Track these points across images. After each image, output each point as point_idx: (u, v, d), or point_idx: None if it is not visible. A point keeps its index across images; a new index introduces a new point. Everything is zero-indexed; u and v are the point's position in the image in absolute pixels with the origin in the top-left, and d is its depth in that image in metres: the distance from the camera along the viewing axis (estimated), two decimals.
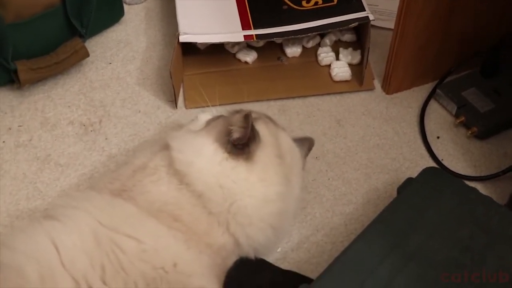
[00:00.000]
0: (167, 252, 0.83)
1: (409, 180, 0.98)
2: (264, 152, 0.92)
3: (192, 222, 0.87)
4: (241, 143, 0.90)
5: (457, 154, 1.14)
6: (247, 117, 0.89)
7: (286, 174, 0.93)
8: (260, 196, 0.90)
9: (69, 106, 1.19)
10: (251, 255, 0.92)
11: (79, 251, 0.79)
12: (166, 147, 0.93)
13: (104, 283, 0.77)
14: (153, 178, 0.90)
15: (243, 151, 0.90)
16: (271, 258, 0.97)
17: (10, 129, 1.14)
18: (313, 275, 0.94)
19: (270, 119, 1.00)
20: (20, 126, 1.15)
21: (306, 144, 1.04)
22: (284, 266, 0.97)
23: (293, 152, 0.98)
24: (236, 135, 0.90)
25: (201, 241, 0.87)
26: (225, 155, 0.89)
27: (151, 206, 0.87)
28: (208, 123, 0.95)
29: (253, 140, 0.91)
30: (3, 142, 1.12)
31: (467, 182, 1.00)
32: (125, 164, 0.97)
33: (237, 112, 0.96)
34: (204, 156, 0.90)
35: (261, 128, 0.94)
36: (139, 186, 0.89)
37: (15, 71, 1.15)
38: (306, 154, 1.05)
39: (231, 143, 0.90)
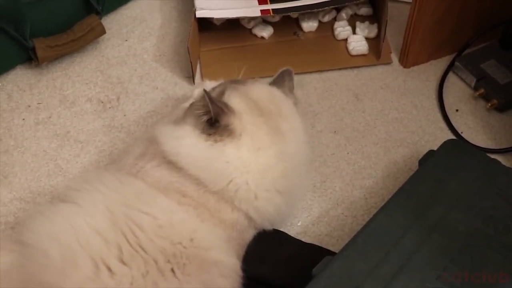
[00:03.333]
0: (182, 227, 0.83)
1: (431, 152, 0.98)
2: (244, 120, 0.88)
3: (200, 198, 0.87)
4: (214, 121, 0.86)
5: (477, 127, 1.14)
6: (203, 96, 0.85)
7: (276, 127, 0.89)
8: (257, 167, 0.87)
9: (86, 84, 1.19)
10: (268, 227, 0.92)
11: (94, 233, 0.80)
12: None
13: (123, 262, 0.78)
14: (154, 163, 0.89)
15: (221, 128, 0.87)
16: (292, 232, 0.98)
17: (29, 106, 1.14)
18: (334, 248, 0.94)
19: (236, 82, 0.95)
20: (39, 103, 1.15)
21: (285, 78, 0.98)
22: (305, 239, 0.97)
23: (274, 98, 0.93)
24: (205, 116, 0.87)
25: (213, 216, 0.87)
26: (209, 140, 0.87)
27: (158, 184, 0.87)
28: (189, 106, 0.92)
29: (224, 113, 0.86)
30: (23, 119, 1.12)
31: (488, 155, 1.00)
32: (126, 154, 0.96)
33: (213, 89, 0.93)
34: (188, 145, 0.88)
35: (231, 97, 0.90)
36: (142, 172, 0.89)
37: (33, 49, 1.15)
38: (292, 87, 0.99)
39: (206, 125, 0.87)
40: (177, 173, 0.87)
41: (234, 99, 0.89)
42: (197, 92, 0.96)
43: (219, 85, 0.94)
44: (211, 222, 0.86)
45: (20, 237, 0.81)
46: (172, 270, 0.79)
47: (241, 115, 0.88)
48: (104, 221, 0.81)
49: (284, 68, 1.00)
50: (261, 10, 1.21)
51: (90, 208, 0.82)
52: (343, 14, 1.29)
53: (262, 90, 0.93)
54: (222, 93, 0.91)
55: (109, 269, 0.77)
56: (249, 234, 0.92)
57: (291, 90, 0.99)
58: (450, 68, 1.22)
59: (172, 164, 0.88)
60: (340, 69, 1.23)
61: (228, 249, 0.86)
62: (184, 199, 0.86)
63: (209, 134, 0.87)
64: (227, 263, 0.84)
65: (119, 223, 0.81)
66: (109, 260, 0.78)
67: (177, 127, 0.90)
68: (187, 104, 0.94)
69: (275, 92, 0.95)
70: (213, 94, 0.91)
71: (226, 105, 0.88)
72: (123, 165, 0.92)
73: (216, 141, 0.87)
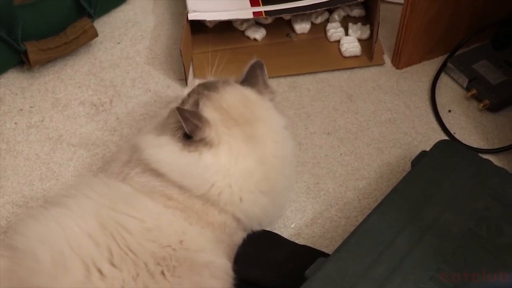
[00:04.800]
0: (170, 229, 0.84)
1: (423, 153, 0.98)
2: (220, 131, 0.87)
3: (186, 201, 0.87)
4: (190, 136, 0.86)
5: (470, 127, 1.14)
6: (178, 112, 0.85)
7: (252, 133, 0.88)
8: (238, 172, 0.87)
9: (79, 87, 1.19)
10: (257, 228, 0.92)
11: (85, 236, 0.80)
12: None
13: (113, 265, 0.78)
14: (138, 169, 0.89)
15: (197, 141, 0.86)
16: (285, 234, 0.98)
17: (21, 110, 1.14)
18: (328, 250, 0.94)
19: (209, 88, 0.92)
20: (32, 107, 1.15)
21: (257, 72, 0.95)
22: (299, 241, 0.97)
23: (248, 102, 0.91)
24: (180, 131, 0.87)
25: (201, 219, 0.87)
26: (185, 150, 0.86)
27: (143, 189, 0.88)
28: (168, 115, 0.92)
29: (199, 128, 0.86)
30: (15, 123, 1.12)
31: (480, 155, 1.00)
32: (113, 161, 0.97)
33: (188, 95, 0.92)
34: (167, 153, 0.88)
35: (205, 107, 0.89)
36: (128, 179, 0.89)
37: (25, 52, 1.14)
38: (265, 81, 0.95)
39: (183, 138, 0.87)
40: (160, 178, 0.88)
41: (208, 110, 0.88)
42: (186, 92, 0.95)
43: (192, 91, 0.92)
44: (199, 225, 0.86)
45: (10, 242, 0.81)
46: (162, 273, 0.79)
47: (217, 126, 0.87)
48: (95, 225, 0.81)
49: (253, 61, 0.96)
50: (253, 12, 1.21)
51: (80, 212, 0.82)
52: (336, 16, 1.29)
53: (235, 96, 0.91)
54: (196, 103, 0.89)
55: (100, 272, 0.77)
56: (239, 236, 0.92)
57: (265, 84, 0.95)
58: (442, 69, 1.22)
59: (155, 171, 0.88)
60: (333, 70, 1.23)
61: (218, 250, 0.87)
62: (170, 202, 0.86)
63: (186, 145, 0.87)
64: (218, 264, 0.84)
65: (109, 227, 0.81)
66: (100, 263, 0.78)
67: (157, 137, 0.90)
68: (172, 105, 0.93)
69: (249, 94, 0.92)
70: (188, 104, 0.90)
71: (200, 118, 0.87)
72: (111, 173, 0.93)
73: (191, 151, 0.86)
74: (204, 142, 0.86)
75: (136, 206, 0.84)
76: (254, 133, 0.89)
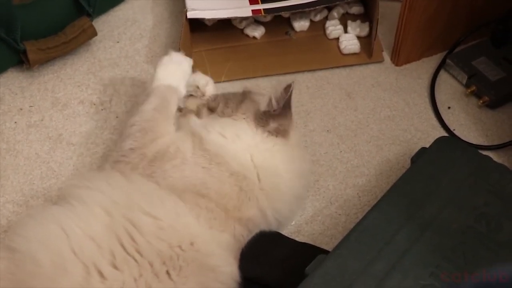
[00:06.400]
0: (185, 230, 0.83)
1: (423, 150, 0.98)
2: (295, 132, 0.96)
3: (220, 199, 0.88)
4: (275, 114, 0.92)
5: (469, 124, 1.14)
6: (289, 86, 0.92)
7: (304, 150, 0.99)
8: (296, 171, 0.93)
9: (79, 86, 1.19)
10: (274, 228, 0.94)
11: (87, 238, 0.79)
12: (192, 132, 0.93)
13: (115, 267, 0.78)
14: (176, 162, 0.89)
15: (272, 127, 0.92)
16: (286, 232, 0.98)
17: (21, 109, 1.14)
18: (328, 247, 0.94)
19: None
20: (31, 106, 1.15)
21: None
22: (299, 239, 0.98)
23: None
24: (271, 106, 0.93)
25: (228, 217, 0.87)
26: (262, 134, 0.92)
27: (174, 188, 0.87)
28: (226, 99, 0.98)
29: (285, 114, 0.93)
30: (15, 122, 1.12)
31: (480, 152, 1.00)
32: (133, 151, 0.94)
33: (241, 93, 0.99)
34: (240, 137, 0.92)
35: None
36: (159, 172, 0.89)
37: (24, 52, 1.14)
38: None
39: (266, 115, 0.93)
40: (202, 174, 0.88)
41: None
42: (199, 79, 1.03)
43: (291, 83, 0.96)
44: (221, 227, 0.87)
45: (9, 243, 0.80)
46: (168, 273, 0.79)
47: (295, 127, 0.97)
48: (98, 225, 0.80)
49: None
50: (252, 10, 1.21)
51: (85, 212, 0.82)
52: (335, 13, 1.29)
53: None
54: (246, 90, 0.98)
55: (101, 274, 0.77)
56: (252, 235, 0.92)
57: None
58: (441, 65, 1.22)
59: (200, 160, 0.89)
60: (332, 68, 1.23)
61: (229, 257, 0.86)
62: (201, 200, 0.86)
63: (263, 127, 0.93)
64: (225, 270, 0.84)
65: (116, 226, 0.80)
66: (101, 266, 0.77)
67: (233, 121, 0.94)
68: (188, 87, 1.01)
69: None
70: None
71: (290, 105, 0.94)
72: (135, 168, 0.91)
73: (269, 132, 0.92)
74: (285, 134, 0.93)
75: (155, 203, 0.84)
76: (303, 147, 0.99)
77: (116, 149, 0.95)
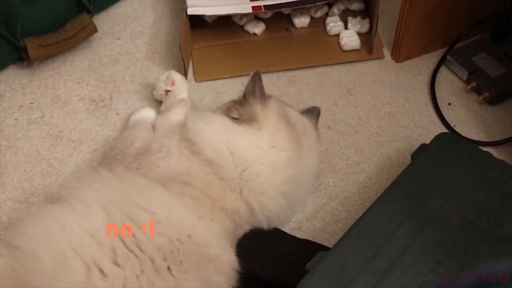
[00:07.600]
0: (181, 223, 0.84)
1: (423, 146, 0.98)
2: (271, 119, 0.93)
3: (204, 187, 0.89)
4: (243, 98, 0.94)
5: (469, 120, 1.14)
6: (254, 74, 0.93)
7: (297, 140, 0.94)
8: (270, 162, 0.91)
9: (79, 83, 1.19)
10: (265, 225, 0.94)
11: (87, 235, 0.79)
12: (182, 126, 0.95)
13: (117, 264, 0.78)
14: (161, 154, 0.91)
15: (245, 110, 0.93)
16: (286, 228, 0.98)
17: (21, 106, 1.14)
18: (328, 243, 0.94)
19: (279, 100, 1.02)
20: (32, 103, 1.15)
21: (313, 113, 1.04)
22: (299, 235, 0.98)
23: (303, 123, 0.99)
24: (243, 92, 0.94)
25: (214, 206, 0.88)
26: (232, 120, 0.93)
27: (160, 178, 0.88)
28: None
29: (255, 96, 0.93)
30: (15, 119, 1.12)
31: (480, 148, 1.00)
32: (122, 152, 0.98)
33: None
34: (213, 124, 0.93)
35: (272, 100, 0.96)
36: (146, 163, 0.91)
37: (25, 49, 1.14)
38: (316, 124, 1.05)
39: (237, 103, 0.94)
40: (187, 163, 0.90)
41: (272, 102, 0.96)
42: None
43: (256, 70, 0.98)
44: (209, 216, 0.87)
45: (11, 241, 0.81)
46: (169, 268, 0.79)
47: (271, 112, 0.94)
48: (99, 223, 0.81)
49: (315, 106, 1.07)
50: (252, 7, 1.20)
51: (84, 210, 0.82)
52: (335, 10, 1.29)
53: (296, 114, 1.00)
54: (267, 99, 0.97)
55: (102, 271, 0.77)
56: (243, 231, 0.93)
57: (315, 126, 1.04)
58: (442, 62, 1.22)
59: (185, 151, 0.91)
60: (332, 64, 1.23)
61: (225, 245, 0.87)
62: (186, 189, 0.87)
63: (234, 116, 0.93)
64: (223, 259, 0.85)
65: (115, 223, 0.81)
66: (102, 263, 0.77)
67: (211, 112, 0.97)
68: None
69: (305, 120, 1.01)
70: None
71: (263, 94, 0.95)
72: (122, 164, 0.95)
73: (237, 123, 0.92)
74: (252, 121, 0.92)
75: (149, 197, 0.85)
76: (298, 139, 0.95)
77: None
